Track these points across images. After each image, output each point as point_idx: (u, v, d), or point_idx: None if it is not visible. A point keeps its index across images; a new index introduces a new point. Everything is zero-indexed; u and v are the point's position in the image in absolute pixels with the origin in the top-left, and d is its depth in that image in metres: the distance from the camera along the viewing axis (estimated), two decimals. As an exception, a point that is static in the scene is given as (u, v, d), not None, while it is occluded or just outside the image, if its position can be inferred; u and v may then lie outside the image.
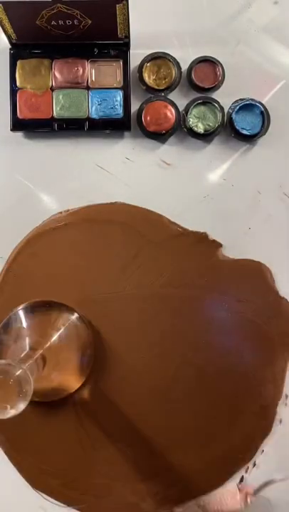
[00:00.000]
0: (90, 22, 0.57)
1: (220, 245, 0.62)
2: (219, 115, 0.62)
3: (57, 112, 0.62)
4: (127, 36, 0.60)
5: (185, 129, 0.63)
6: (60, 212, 0.64)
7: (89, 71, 0.62)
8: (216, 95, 0.63)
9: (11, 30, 0.58)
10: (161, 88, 0.62)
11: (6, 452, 0.63)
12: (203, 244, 0.62)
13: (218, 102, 0.62)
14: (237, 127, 0.62)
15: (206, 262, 0.63)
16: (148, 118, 0.62)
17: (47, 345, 0.57)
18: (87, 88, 0.62)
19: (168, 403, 0.62)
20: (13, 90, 0.62)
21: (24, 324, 0.60)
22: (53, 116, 0.62)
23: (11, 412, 0.45)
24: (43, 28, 0.57)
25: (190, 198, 0.64)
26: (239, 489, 0.60)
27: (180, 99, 0.63)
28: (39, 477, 0.62)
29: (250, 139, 0.63)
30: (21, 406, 0.45)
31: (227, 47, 0.63)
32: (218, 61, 0.62)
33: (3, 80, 0.62)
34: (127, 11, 0.55)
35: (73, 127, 0.62)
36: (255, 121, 0.62)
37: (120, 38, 0.60)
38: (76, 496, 0.62)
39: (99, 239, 0.63)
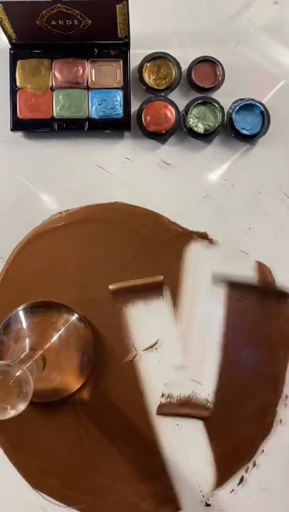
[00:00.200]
0: (90, 22, 0.57)
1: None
2: (219, 115, 0.62)
3: (57, 112, 0.62)
4: (127, 36, 0.60)
5: (185, 129, 0.63)
6: (60, 213, 0.64)
7: (89, 71, 0.62)
8: (216, 95, 0.63)
9: (11, 30, 0.58)
10: (161, 88, 0.62)
11: (6, 452, 0.63)
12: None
13: (218, 102, 0.62)
14: (237, 127, 0.62)
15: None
16: (148, 118, 0.62)
17: (47, 345, 0.57)
18: (87, 88, 0.62)
19: (168, 403, 0.63)
20: (13, 90, 0.62)
21: (24, 325, 0.60)
22: (53, 116, 0.62)
23: (11, 413, 0.45)
24: (43, 28, 0.57)
25: (190, 198, 0.64)
26: None
27: (180, 99, 0.63)
28: (39, 477, 0.62)
29: (250, 139, 0.63)
30: (21, 407, 0.45)
31: (227, 47, 0.63)
32: (218, 61, 0.62)
33: (3, 80, 0.62)
34: (127, 11, 0.55)
35: (73, 127, 0.62)
36: (255, 121, 0.62)
37: (120, 38, 0.60)
38: (76, 496, 0.62)
39: (99, 239, 0.63)
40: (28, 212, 0.64)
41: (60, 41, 0.61)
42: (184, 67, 0.63)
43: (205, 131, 0.62)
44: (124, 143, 0.64)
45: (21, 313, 0.61)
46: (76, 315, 0.62)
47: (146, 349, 0.63)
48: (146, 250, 0.63)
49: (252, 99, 0.62)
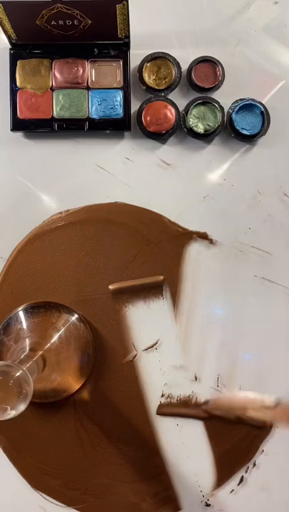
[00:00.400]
0: (90, 22, 0.57)
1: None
2: (219, 115, 0.62)
3: (57, 112, 0.62)
4: (127, 36, 0.60)
5: (185, 129, 0.63)
6: (60, 213, 0.64)
7: (89, 71, 0.62)
8: (216, 95, 0.63)
9: (11, 30, 0.58)
10: (161, 88, 0.62)
11: (6, 452, 0.63)
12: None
13: (218, 102, 0.62)
14: (237, 127, 0.62)
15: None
16: (148, 118, 0.62)
17: (47, 346, 0.57)
18: (87, 88, 0.62)
19: (168, 403, 0.63)
20: (13, 90, 0.62)
21: (24, 325, 0.60)
22: (53, 116, 0.62)
23: (11, 413, 0.45)
24: (43, 28, 0.57)
25: (190, 198, 0.64)
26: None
27: (180, 99, 0.63)
28: (39, 477, 0.62)
29: (250, 139, 0.63)
30: (21, 407, 0.45)
31: (227, 47, 0.63)
32: (218, 61, 0.62)
33: (3, 80, 0.62)
34: (127, 11, 0.55)
35: (73, 127, 0.62)
36: (255, 121, 0.62)
37: (120, 38, 0.60)
38: (76, 496, 0.62)
39: (99, 239, 0.63)
40: (28, 212, 0.64)
41: (60, 41, 0.60)
42: (184, 67, 0.63)
43: (205, 131, 0.62)
44: (124, 143, 0.64)
45: (21, 314, 0.61)
46: (76, 315, 0.62)
47: (147, 349, 0.63)
48: (146, 250, 0.63)
49: (252, 99, 0.62)
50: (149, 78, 0.62)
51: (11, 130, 0.62)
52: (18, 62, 0.62)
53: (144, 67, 0.62)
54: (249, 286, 0.63)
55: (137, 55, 0.62)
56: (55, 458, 0.62)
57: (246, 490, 0.63)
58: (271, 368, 0.63)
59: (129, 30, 0.59)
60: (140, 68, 0.62)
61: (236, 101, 0.63)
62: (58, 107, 0.62)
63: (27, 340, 0.57)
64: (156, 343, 0.63)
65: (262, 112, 0.62)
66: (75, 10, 0.54)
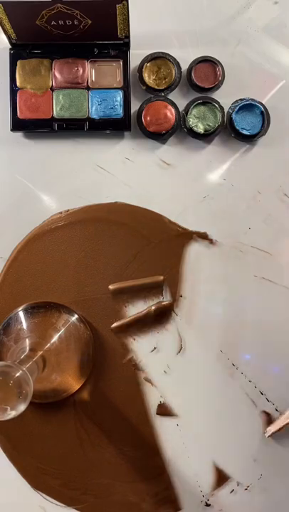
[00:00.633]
0: (90, 22, 0.56)
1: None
2: (219, 115, 0.62)
3: (57, 112, 0.62)
4: (127, 36, 0.60)
5: (185, 129, 0.63)
6: (60, 213, 0.64)
7: (89, 71, 0.62)
8: (216, 95, 0.63)
9: (11, 30, 0.58)
10: (161, 88, 0.62)
11: (6, 452, 0.63)
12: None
13: (218, 102, 0.62)
14: (237, 127, 0.62)
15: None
16: (148, 118, 0.62)
17: (47, 346, 0.57)
18: (87, 88, 0.62)
19: (168, 403, 0.63)
20: (13, 90, 0.62)
21: (24, 325, 0.60)
22: (53, 116, 0.62)
23: (11, 414, 0.45)
24: (43, 28, 0.57)
25: (190, 198, 0.64)
26: None
27: (180, 99, 0.63)
28: (39, 477, 0.62)
29: (250, 139, 0.63)
30: (21, 407, 0.45)
31: (227, 47, 0.63)
32: (218, 61, 0.62)
33: (3, 80, 0.62)
34: (127, 11, 0.55)
35: (73, 127, 0.62)
36: (255, 121, 0.62)
37: (120, 38, 0.60)
38: (76, 496, 0.62)
39: (99, 239, 0.63)
40: (28, 212, 0.64)
41: (60, 41, 0.60)
42: (184, 67, 0.63)
43: (205, 131, 0.62)
44: (124, 143, 0.64)
45: (21, 314, 0.61)
46: (76, 315, 0.62)
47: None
48: (146, 250, 0.63)
49: (252, 99, 0.62)
50: (149, 78, 0.62)
51: (11, 130, 0.62)
52: (18, 62, 0.62)
53: (144, 67, 0.62)
54: (249, 286, 0.63)
55: (137, 55, 0.62)
56: (55, 458, 0.62)
57: (246, 490, 0.63)
58: (271, 368, 0.63)
59: (129, 30, 0.59)
60: (140, 68, 0.62)
61: (236, 101, 0.62)
62: (58, 107, 0.62)
63: (27, 340, 0.57)
64: (156, 343, 0.63)
65: (262, 112, 0.62)
66: (75, 10, 0.54)
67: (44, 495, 0.63)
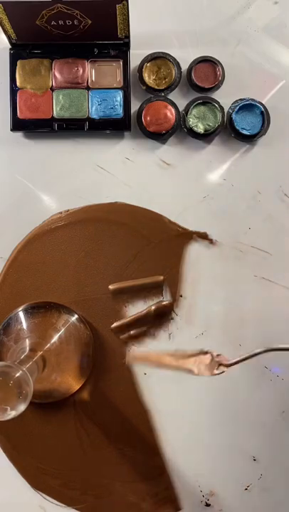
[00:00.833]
0: (90, 22, 0.56)
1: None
2: (219, 115, 0.62)
3: (57, 112, 0.62)
4: (127, 36, 0.60)
5: (185, 129, 0.63)
6: (60, 213, 0.64)
7: (89, 71, 0.62)
8: (216, 95, 0.63)
9: (11, 30, 0.58)
10: (161, 88, 0.62)
11: (6, 452, 0.63)
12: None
13: (218, 102, 0.62)
14: (237, 127, 0.62)
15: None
16: (148, 118, 0.62)
17: (47, 346, 0.57)
18: (87, 88, 0.62)
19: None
20: (13, 90, 0.62)
21: (24, 325, 0.60)
22: (53, 116, 0.62)
23: (11, 414, 0.45)
24: (43, 28, 0.57)
25: (190, 198, 0.64)
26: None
27: (180, 99, 0.63)
28: (39, 477, 0.62)
29: (250, 139, 0.63)
30: (21, 407, 0.45)
31: (227, 47, 0.63)
32: (218, 61, 0.62)
33: (3, 80, 0.62)
34: (127, 11, 0.55)
35: (73, 127, 0.62)
36: (255, 121, 0.62)
37: (120, 38, 0.60)
38: (76, 496, 0.62)
39: (99, 239, 0.63)
40: (28, 212, 0.64)
41: (60, 41, 0.60)
42: (184, 67, 0.63)
43: (205, 131, 0.62)
44: (124, 143, 0.64)
45: (21, 314, 0.61)
46: (76, 315, 0.62)
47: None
48: (146, 250, 0.63)
49: (252, 99, 0.62)
50: (149, 78, 0.62)
51: (11, 130, 0.62)
52: (18, 62, 0.62)
53: (144, 67, 0.62)
54: (249, 286, 0.63)
55: (137, 55, 0.62)
56: (55, 458, 0.62)
57: (247, 490, 0.63)
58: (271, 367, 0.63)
59: (129, 30, 0.59)
60: (140, 68, 0.62)
61: (236, 101, 0.62)
62: (58, 107, 0.62)
63: (27, 340, 0.57)
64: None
65: (262, 112, 0.62)
66: (75, 10, 0.54)
67: (44, 495, 0.63)
